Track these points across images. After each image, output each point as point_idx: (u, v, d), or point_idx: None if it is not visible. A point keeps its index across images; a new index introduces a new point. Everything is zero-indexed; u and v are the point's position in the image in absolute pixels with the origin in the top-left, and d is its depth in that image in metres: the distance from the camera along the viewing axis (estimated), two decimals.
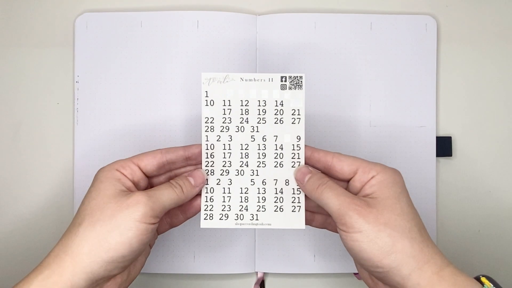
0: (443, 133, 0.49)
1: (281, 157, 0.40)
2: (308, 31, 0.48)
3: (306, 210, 0.40)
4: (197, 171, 0.40)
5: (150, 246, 0.41)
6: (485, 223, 0.49)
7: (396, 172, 0.37)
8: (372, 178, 0.37)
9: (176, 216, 0.42)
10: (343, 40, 0.48)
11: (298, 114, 0.40)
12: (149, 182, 0.41)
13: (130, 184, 0.38)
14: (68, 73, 0.48)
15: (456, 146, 0.49)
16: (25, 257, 0.48)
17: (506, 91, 0.49)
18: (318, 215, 0.42)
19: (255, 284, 0.48)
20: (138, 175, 0.39)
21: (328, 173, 0.39)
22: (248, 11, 0.49)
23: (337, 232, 0.37)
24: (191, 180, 0.39)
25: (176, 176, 0.41)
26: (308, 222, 0.42)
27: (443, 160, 0.48)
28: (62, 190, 0.48)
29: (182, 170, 0.41)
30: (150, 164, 0.39)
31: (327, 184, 0.37)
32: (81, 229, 0.35)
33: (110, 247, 0.34)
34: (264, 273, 0.48)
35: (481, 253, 0.48)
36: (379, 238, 0.34)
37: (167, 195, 0.37)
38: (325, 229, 0.42)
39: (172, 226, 0.42)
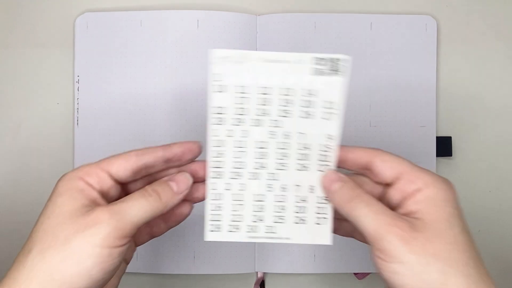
0: (443, 133, 0.49)
1: (306, 158, 0.33)
2: (308, 31, 0.48)
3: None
4: (180, 175, 0.33)
5: (127, 262, 0.35)
6: (485, 223, 0.49)
7: (448, 186, 0.30)
8: (418, 191, 0.30)
9: (157, 225, 0.35)
10: (343, 40, 0.48)
11: (334, 108, 0.33)
12: (123, 190, 0.33)
13: (95, 195, 0.30)
14: (68, 73, 0.48)
15: (456, 146, 0.49)
16: None
17: (506, 91, 0.49)
18: (345, 223, 0.34)
19: (255, 284, 0.48)
20: (107, 184, 0.31)
21: (364, 174, 0.33)
22: (248, 11, 0.49)
23: (366, 243, 0.31)
24: (173, 185, 0.32)
25: (155, 180, 0.34)
26: (333, 230, 0.34)
27: (443, 160, 0.48)
28: None
29: (163, 174, 0.34)
30: (122, 169, 0.32)
31: (362, 197, 0.30)
32: (30, 258, 0.28)
33: (65, 280, 0.27)
34: (264, 273, 0.48)
35: (481, 253, 0.48)
36: (426, 273, 0.27)
37: (138, 208, 0.30)
38: (352, 238, 0.36)
39: (153, 236, 0.36)
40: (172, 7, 0.48)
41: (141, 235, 0.35)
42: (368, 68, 0.48)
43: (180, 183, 0.32)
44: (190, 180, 0.33)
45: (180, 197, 0.32)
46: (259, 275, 0.47)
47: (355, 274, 0.48)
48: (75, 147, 0.47)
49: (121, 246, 0.29)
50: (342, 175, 0.33)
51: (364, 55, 0.48)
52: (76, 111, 0.48)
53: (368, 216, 0.29)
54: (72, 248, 0.28)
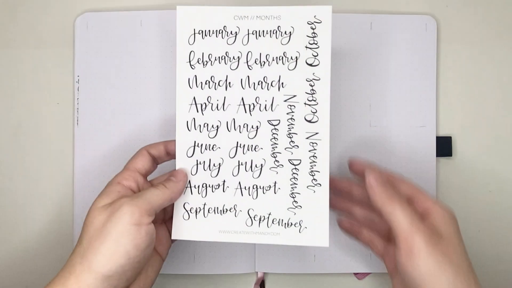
0: (443, 133, 0.49)
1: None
2: None
3: (355, 220, 0.42)
4: (177, 170, 0.40)
5: (162, 258, 0.41)
6: (485, 223, 0.49)
7: (451, 209, 0.37)
8: (430, 209, 0.37)
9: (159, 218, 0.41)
10: (343, 40, 0.48)
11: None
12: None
13: (129, 192, 0.38)
14: (68, 73, 0.48)
15: (456, 146, 0.49)
16: (24, 254, 0.48)
17: (506, 91, 0.49)
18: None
19: (255, 284, 0.48)
20: (141, 181, 0.39)
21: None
22: None
23: (381, 257, 0.40)
24: (172, 178, 0.39)
25: None
26: (355, 234, 0.43)
27: (443, 160, 0.48)
28: (62, 189, 0.48)
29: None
30: (144, 164, 0.39)
31: (400, 199, 0.36)
32: (81, 248, 0.35)
33: (108, 258, 0.33)
34: (264, 273, 0.48)
35: (481, 253, 0.48)
36: (443, 273, 0.34)
37: (151, 194, 0.36)
38: (365, 246, 0.43)
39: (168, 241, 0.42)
40: (172, 7, 0.48)
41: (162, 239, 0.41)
42: (368, 68, 0.48)
43: (178, 174, 0.39)
44: (184, 171, 0.40)
45: (181, 184, 0.39)
46: (259, 275, 0.47)
47: (355, 274, 0.48)
48: (75, 147, 0.47)
49: (146, 224, 0.35)
50: (384, 176, 0.38)
51: (364, 55, 0.48)
52: (76, 111, 0.48)
53: (402, 216, 0.35)
54: (108, 231, 0.34)
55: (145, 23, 0.48)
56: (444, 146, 0.48)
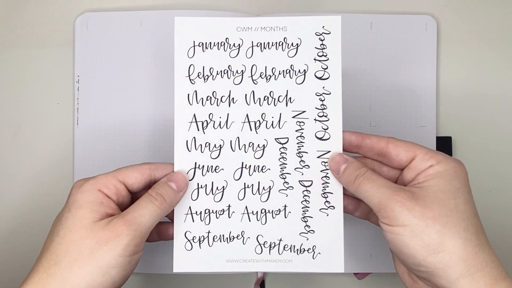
0: (443, 133, 0.48)
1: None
2: None
3: (349, 196, 0.37)
4: (177, 174, 0.35)
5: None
6: (485, 223, 0.48)
7: (459, 165, 0.33)
8: (430, 167, 0.33)
9: (150, 235, 0.38)
10: (343, 40, 0.48)
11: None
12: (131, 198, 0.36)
13: (113, 206, 0.34)
14: (68, 73, 0.48)
15: (456, 146, 0.49)
16: (24, 258, 0.48)
17: (506, 91, 0.49)
18: (363, 204, 0.37)
19: (255, 284, 0.48)
20: (123, 195, 0.34)
21: (381, 161, 0.36)
22: (248, 11, 0.49)
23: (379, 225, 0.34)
24: (173, 185, 0.34)
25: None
26: (351, 211, 0.38)
27: None
28: (62, 190, 0.48)
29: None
30: (137, 182, 0.35)
31: (366, 175, 0.33)
32: (59, 270, 0.31)
33: None
34: (264, 273, 0.48)
35: None
36: (425, 233, 0.30)
37: (148, 214, 0.33)
38: (367, 221, 0.39)
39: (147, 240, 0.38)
40: (172, 7, 0.48)
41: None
42: (368, 68, 0.48)
43: (179, 181, 0.35)
44: (187, 178, 0.35)
45: (181, 194, 0.35)
46: (259, 275, 0.47)
47: (355, 274, 0.48)
48: (75, 147, 0.47)
49: (139, 252, 0.32)
50: (347, 157, 0.35)
51: (364, 55, 0.48)
52: (76, 111, 0.48)
53: (372, 191, 0.32)
54: (98, 261, 0.31)
55: (145, 23, 0.48)
56: (444, 146, 0.48)
